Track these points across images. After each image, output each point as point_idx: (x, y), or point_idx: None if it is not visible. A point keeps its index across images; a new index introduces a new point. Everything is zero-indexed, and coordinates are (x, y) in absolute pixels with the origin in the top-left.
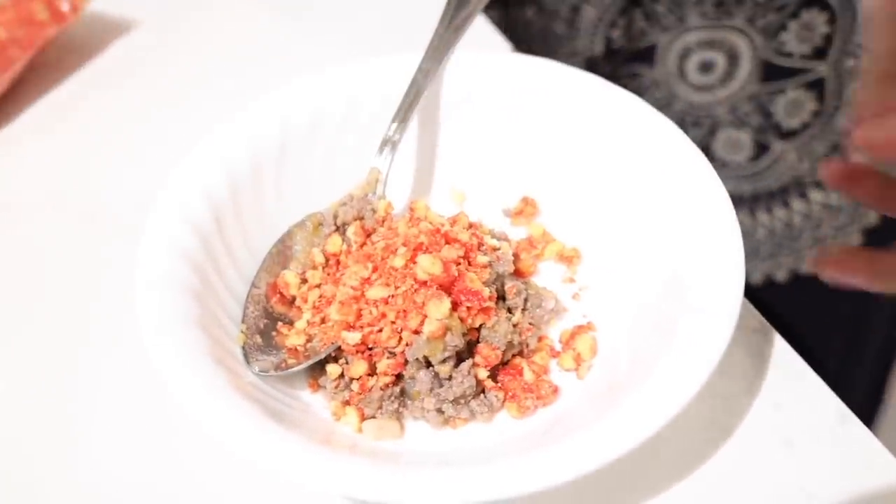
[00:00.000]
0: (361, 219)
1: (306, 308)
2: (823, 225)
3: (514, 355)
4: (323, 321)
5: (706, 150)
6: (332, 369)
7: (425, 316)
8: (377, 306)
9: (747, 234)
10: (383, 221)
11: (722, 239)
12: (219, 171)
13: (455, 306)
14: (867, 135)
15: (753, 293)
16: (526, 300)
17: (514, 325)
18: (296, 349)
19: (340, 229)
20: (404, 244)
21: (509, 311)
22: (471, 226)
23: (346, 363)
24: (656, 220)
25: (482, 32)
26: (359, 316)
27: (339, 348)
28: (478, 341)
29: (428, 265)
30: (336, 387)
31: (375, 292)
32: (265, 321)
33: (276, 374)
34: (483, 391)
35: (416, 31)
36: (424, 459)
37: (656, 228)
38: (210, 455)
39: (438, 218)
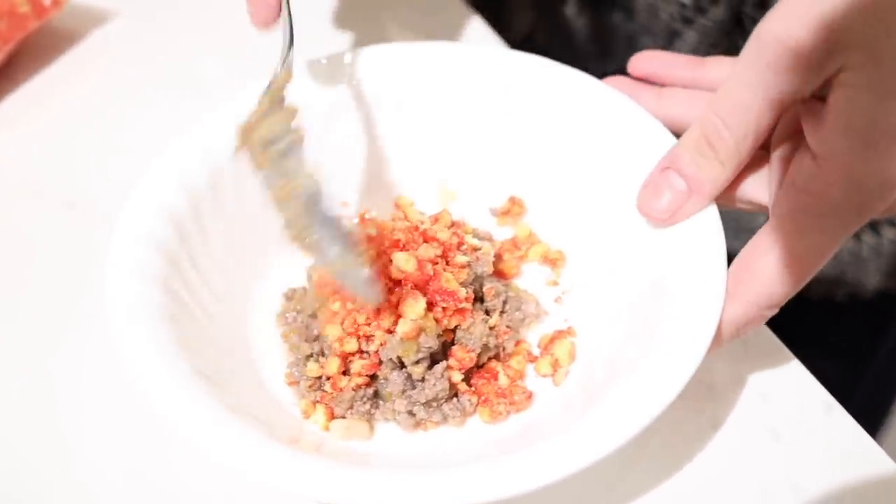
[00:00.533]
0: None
1: None
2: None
3: (489, 358)
4: None
5: None
6: (312, 368)
7: (400, 315)
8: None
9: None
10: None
11: (706, 244)
12: (199, 160)
13: (430, 307)
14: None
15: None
16: (505, 302)
17: (491, 328)
18: None
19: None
20: (379, 241)
21: (487, 313)
22: (453, 224)
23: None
24: (641, 224)
25: (477, 31)
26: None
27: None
28: (453, 343)
29: (402, 263)
30: (310, 386)
31: None
32: None
33: None
34: (456, 394)
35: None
36: (393, 462)
37: (642, 233)
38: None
39: (419, 215)
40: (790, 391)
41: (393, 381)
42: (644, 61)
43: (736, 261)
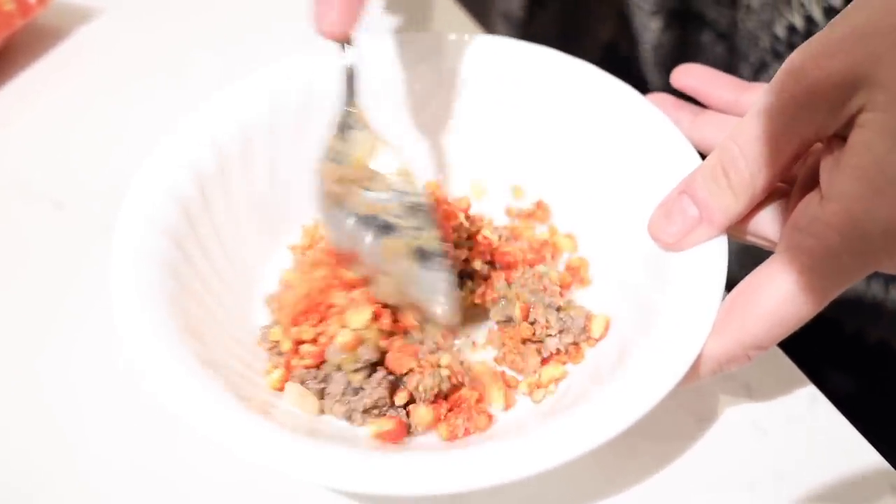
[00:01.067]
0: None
1: None
2: None
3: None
4: None
5: None
6: (275, 332)
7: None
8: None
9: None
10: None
11: (704, 275)
12: (208, 145)
13: (376, 317)
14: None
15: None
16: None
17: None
18: None
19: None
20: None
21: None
22: (469, 218)
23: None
24: (653, 246)
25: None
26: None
27: None
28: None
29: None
30: (270, 349)
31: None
32: None
33: None
34: (394, 404)
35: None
36: (343, 436)
37: (652, 254)
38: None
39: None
40: (775, 383)
41: (336, 381)
42: (687, 75)
43: (731, 294)
